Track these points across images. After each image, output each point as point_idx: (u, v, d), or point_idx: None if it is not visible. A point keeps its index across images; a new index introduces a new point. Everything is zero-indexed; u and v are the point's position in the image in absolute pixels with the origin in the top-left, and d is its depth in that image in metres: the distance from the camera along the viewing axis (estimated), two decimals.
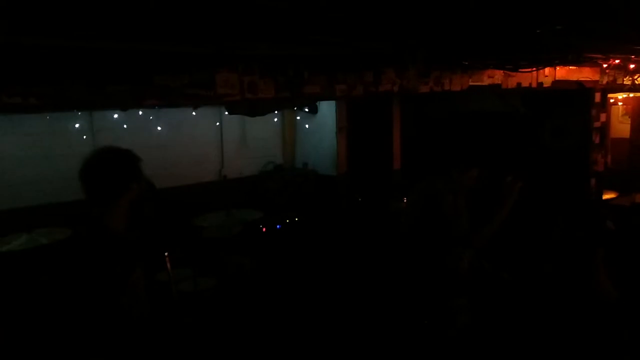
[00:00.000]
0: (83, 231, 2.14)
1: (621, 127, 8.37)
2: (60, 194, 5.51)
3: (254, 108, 5.06)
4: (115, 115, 5.86)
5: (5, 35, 2.03)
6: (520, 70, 4.71)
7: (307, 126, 7.45)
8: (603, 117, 6.03)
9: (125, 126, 5.98)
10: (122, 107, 4.20)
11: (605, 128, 6.19)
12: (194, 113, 6.43)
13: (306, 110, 7.19)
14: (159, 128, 6.27)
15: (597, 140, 5.99)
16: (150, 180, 4.42)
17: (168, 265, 3.19)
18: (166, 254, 3.16)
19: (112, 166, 2.10)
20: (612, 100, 7.21)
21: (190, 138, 6.68)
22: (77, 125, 5.71)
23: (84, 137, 5.76)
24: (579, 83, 5.47)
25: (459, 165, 3.41)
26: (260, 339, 3.94)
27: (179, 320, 3.47)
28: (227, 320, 4.05)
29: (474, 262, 3.45)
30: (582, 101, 5.88)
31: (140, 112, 6.03)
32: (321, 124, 7.23)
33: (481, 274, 3.52)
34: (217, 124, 6.89)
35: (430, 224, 3.33)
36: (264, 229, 6.09)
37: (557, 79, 5.26)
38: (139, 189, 2.15)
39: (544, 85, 5.18)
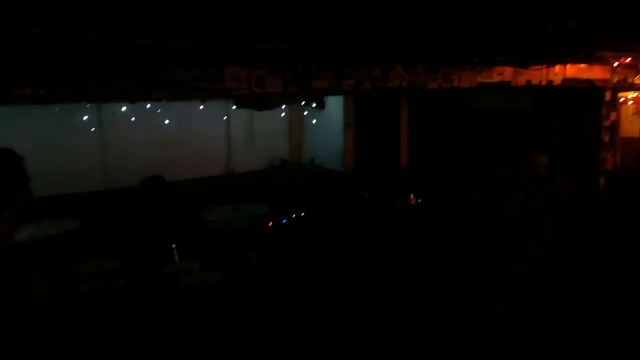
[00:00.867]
0: None
1: (631, 126, 8.28)
2: (68, 186, 5.56)
3: (262, 102, 5.05)
4: (124, 108, 5.88)
5: (17, 29, 2.04)
6: (530, 67, 4.68)
7: (314, 121, 7.44)
8: (613, 115, 5.99)
9: (132, 119, 6.00)
10: (131, 100, 4.21)
11: (615, 127, 6.15)
12: (201, 107, 6.44)
13: (314, 105, 7.18)
14: (166, 122, 6.28)
15: (606, 139, 5.95)
16: (159, 174, 4.44)
17: (176, 257, 3.20)
18: (174, 246, 3.16)
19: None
20: (622, 99, 7.14)
21: (198, 132, 6.69)
22: (85, 118, 5.74)
23: (92, 129, 5.79)
24: (589, 81, 5.43)
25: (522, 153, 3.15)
26: (265, 334, 3.95)
27: (185, 313, 3.48)
28: (232, 313, 4.06)
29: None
30: (592, 100, 5.83)
31: (148, 106, 6.05)
32: (329, 120, 7.22)
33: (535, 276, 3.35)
34: (225, 118, 6.90)
35: (489, 224, 3.13)
36: (270, 224, 6.09)
37: (567, 77, 5.22)
38: (27, 196, 1.76)
39: (554, 84, 5.15)
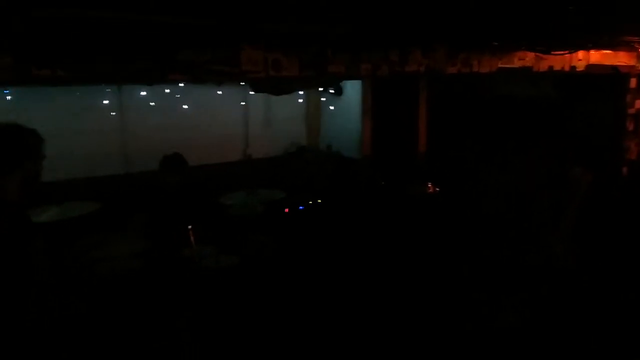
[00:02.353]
0: None
1: None
2: (89, 169, 5.65)
3: (278, 86, 5.05)
4: (143, 93, 5.93)
5: (37, 8, 2.07)
6: (553, 52, 4.58)
7: (331, 108, 7.41)
8: (638, 103, 5.84)
9: (152, 104, 6.05)
10: (147, 82, 4.24)
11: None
12: (219, 92, 6.46)
13: (331, 91, 7.15)
14: (185, 106, 6.32)
15: (631, 127, 5.81)
16: (180, 154, 4.50)
17: (192, 239, 3.24)
18: (190, 227, 3.19)
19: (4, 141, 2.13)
20: None
21: (216, 117, 6.72)
22: (106, 102, 5.81)
23: (113, 113, 5.86)
24: (613, 68, 5.30)
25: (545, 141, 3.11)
26: (277, 318, 3.99)
27: (198, 296, 3.52)
28: (245, 298, 4.10)
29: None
30: (617, 87, 5.70)
31: (167, 90, 6.09)
32: (346, 106, 7.18)
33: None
34: (243, 103, 6.92)
35: (509, 216, 3.10)
36: (286, 210, 6.12)
37: (591, 63, 5.10)
38: (33, 168, 2.20)
39: (577, 70, 5.03)
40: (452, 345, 3.34)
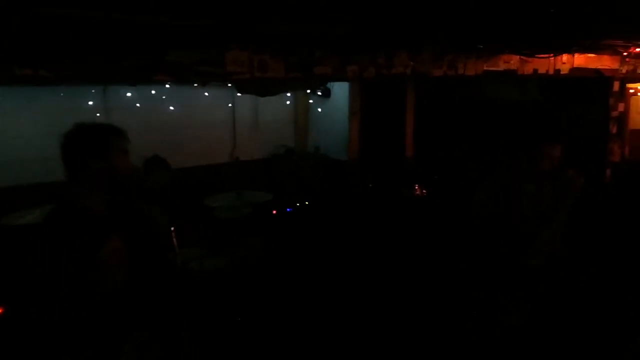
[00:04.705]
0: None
1: None
2: None
3: (264, 87, 5.03)
4: (129, 94, 5.88)
5: (18, 5, 2.04)
6: (537, 55, 4.62)
7: (319, 110, 7.42)
8: (621, 106, 5.92)
9: (138, 105, 6.01)
10: (133, 82, 4.20)
11: (623, 118, 6.07)
12: (206, 94, 6.43)
13: (319, 93, 7.16)
14: (171, 108, 6.29)
15: (614, 130, 5.88)
16: (159, 156, 4.47)
17: (174, 241, 3.20)
18: (172, 228, 3.16)
19: (68, 142, 2.06)
20: (632, 91, 7.05)
21: (203, 119, 6.69)
22: (90, 103, 5.75)
23: (97, 114, 5.80)
24: (597, 71, 5.36)
25: (535, 143, 3.08)
26: (264, 322, 3.96)
27: (184, 299, 3.49)
28: (231, 300, 4.08)
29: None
30: (600, 90, 5.77)
31: (153, 92, 6.05)
32: (334, 108, 7.20)
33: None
34: (230, 105, 6.89)
35: (503, 216, 3.10)
36: (274, 212, 6.10)
37: (575, 66, 5.16)
38: (105, 165, 2.04)
39: (562, 73, 5.09)
40: (452, 347, 3.34)
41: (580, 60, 5.16)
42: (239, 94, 6.40)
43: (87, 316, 1.94)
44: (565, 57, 4.98)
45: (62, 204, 2.03)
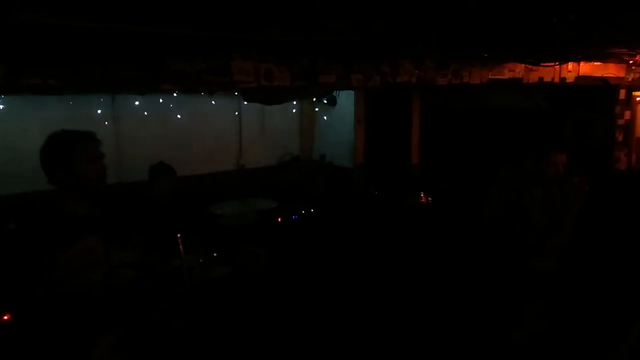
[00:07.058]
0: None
1: None
2: None
3: (270, 96, 5.07)
4: (137, 103, 5.94)
5: (25, 13, 2.07)
6: (542, 64, 4.62)
7: (325, 118, 7.44)
8: (627, 114, 5.90)
9: (145, 113, 6.06)
10: (139, 91, 4.24)
11: (629, 126, 6.05)
12: (213, 102, 6.48)
13: (325, 101, 7.19)
14: (178, 116, 6.33)
15: (620, 138, 5.86)
16: (165, 163, 4.50)
17: (180, 247, 3.22)
18: (178, 235, 3.18)
19: (40, 154, 2.21)
20: (638, 99, 7.03)
21: (210, 127, 6.73)
22: (99, 112, 5.81)
23: (106, 123, 5.86)
24: (603, 79, 5.35)
25: (540, 150, 3.12)
26: (268, 329, 3.96)
27: (188, 305, 3.50)
28: (236, 308, 4.08)
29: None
30: (606, 98, 5.76)
31: (161, 100, 6.10)
32: (340, 116, 7.22)
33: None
34: (236, 114, 6.93)
35: (513, 221, 3.10)
36: (279, 219, 6.11)
37: (580, 74, 5.15)
38: (73, 175, 2.16)
39: (567, 81, 5.08)
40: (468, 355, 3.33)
41: (586, 68, 5.15)
42: (245, 102, 6.44)
43: (57, 315, 1.98)
44: (570, 65, 4.98)
45: (39, 209, 2.17)
